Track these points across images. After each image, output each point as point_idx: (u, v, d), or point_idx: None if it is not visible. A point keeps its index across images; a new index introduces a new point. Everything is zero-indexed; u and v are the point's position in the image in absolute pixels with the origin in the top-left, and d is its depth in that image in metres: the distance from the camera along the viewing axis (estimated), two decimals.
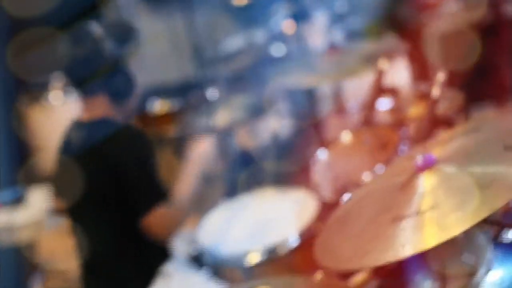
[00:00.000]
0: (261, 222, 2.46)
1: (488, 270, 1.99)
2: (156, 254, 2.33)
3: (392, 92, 2.34)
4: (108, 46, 2.21)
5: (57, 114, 4.06)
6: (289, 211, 2.45)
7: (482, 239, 1.98)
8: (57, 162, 2.40)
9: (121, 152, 2.18)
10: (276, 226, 2.39)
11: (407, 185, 1.53)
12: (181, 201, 2.23)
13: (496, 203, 1.33)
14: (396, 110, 2.25)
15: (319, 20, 4.12)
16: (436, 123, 1.96)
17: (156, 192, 2.19)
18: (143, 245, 2.26)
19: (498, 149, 1.48)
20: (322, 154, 2.51)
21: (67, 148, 2.32)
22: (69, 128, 2.37)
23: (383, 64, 2.30)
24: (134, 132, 2.29)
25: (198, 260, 2.39)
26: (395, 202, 1.53)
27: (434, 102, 1.95)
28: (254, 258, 2.25)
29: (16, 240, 3.23)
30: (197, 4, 5.21)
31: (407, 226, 1.41)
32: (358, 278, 1.79)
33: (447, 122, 1.98)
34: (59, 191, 2.42)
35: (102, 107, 2.26)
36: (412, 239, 1.38)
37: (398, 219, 1.44)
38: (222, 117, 2.67)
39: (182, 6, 5.04)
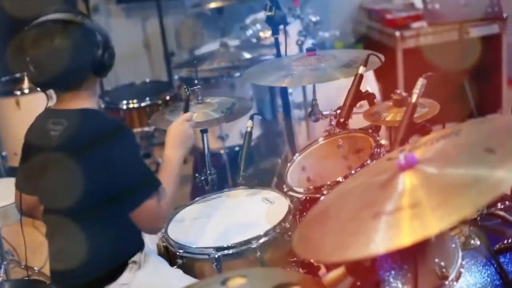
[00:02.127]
0: (232, 219, 2.49)
1: (459, 275, 2.04)
2: (128, 244, 2.32)
3: (369, 97, 2.38)
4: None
5: (28, 105, 4.05)
6: (261, 209, 2.47)
7: (454, 243, 2.03)
8: (27, 150, 2.35)
9: (107, 144, 2.14)
10: (247, 224, 2.41)
11: (388, 184, 1.56)
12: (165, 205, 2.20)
13: (477, 204, 1.37)
14: (372, 116, 2.28)
15: (294, 28, 4.16)
16: (412, 130, 2.00)
17: (144, 184, 2.17)
18: (116, 234, 2.25)
19: (479, 151, 1.52)
20: (296, 156, 2.54)
21: (43, 137, 2.26)
22: (43, 116, 2.29)
23: (361, 70, 2.34)
24: (118, 125, 2.27)
25: (168, 253, 2.40)
26: (376, 199, 1.55)
27: (412, 108, 1.99)
28: (224, 253, 2.27)
29: None
30: (171, 9, 5.28)
31: (388, 222, 1.44)
32: (332, 275, 1.81)
33: (423, 130, 2.02)
34: (32, 185, 2.36)
35: (83, 96, 2.23)
36: (392, 234, 1.40)
37: (376, 215, 1.47)
38: (196, 115, 2.66)
39: (157, 11, 5.08)
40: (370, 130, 2.40)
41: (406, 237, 1.38)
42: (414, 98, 2.00)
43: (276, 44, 2.96)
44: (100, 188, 2.13)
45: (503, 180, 1.35)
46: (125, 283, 2.26)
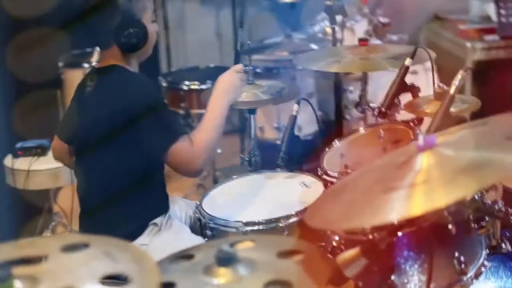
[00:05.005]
0: (266, 198, 2.51)
1: (479, 274, 2.01)
2: (151, 206, 2.39)
3: (413, 89, 2.37)
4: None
5: None
6: (295, 191, 2.49)
7: (479, 241, 2.01)
8: (70, 105, 2.51)
9: (131, 94, 2.26)
10: (280, 204, 2.43)
11: (406, 163, 1.57)
12: (200, 145, 2.28)
13: (484, 182, 1.36)
14: (412, 107, 2.27)
15: (360, 27, 4.17)
16: (448, 122, 1.98)
17: (171, 130, 2.26)
18: (139, 194, 2.32)
19: (500, 138, 1.51)
20: (337, 143, 2.55)
21: (81, 92, 2.40)
22: (86, 75, 2.47)
23: (407, 61, 2.34)
24: (142, 77, 2.37)
25: (200, 224, 2.45)
26: (391, 176, 1.57)
27: (449, 101, 1.98)
28: (252, 228, 2.29)
29: (32, 186, 3.31)
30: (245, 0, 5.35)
31: (396, 195, 1.45)
32: (347, 254, 1.81)
33: (460, 123, 2.00)
34: (66, 132, 2.50)
35: (114, 58, 2.33)
36: (397, 206, 1.41)
37: (389, 189, 1.48)
38: (245, 95, 2.71)
39: (231, 1, 5.15)
40: (412, 122, 2.39)
41: (410, 210, 1.39)
42: (452, 90, 1.98)
43: (333, 33, 2.97)
44: (126, 137, 2.23)
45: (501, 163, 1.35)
46: (144, 243, 2.31)
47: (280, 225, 2.30)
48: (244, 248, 1.59)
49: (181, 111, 4.08)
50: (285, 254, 1.53)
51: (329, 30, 4.33)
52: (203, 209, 2.45)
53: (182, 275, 1.53)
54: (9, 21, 3.32)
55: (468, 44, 4.65)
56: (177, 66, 5.15)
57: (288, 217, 2.31)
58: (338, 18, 4.24)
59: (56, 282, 1.31)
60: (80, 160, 2.44)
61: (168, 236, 2.37)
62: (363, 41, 2.68)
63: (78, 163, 2.46)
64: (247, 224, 2.31)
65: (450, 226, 1.83)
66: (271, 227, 2.31)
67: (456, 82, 1.99)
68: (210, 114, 2.35)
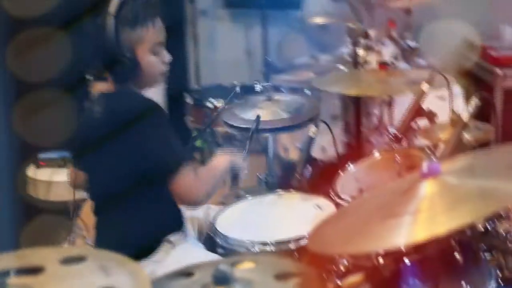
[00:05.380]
0: (279, 219, 2.51)
1: None
2: (165, 223, 2.40)
3: (430, 115, 2.36)
4: (111, 26, 2.28)
5: None
6: (308, 213, 2.48)
7: (489, 271, 1.97)
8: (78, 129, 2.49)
9: (138, 121, 2.26)
10: (292, 225, 2.42)
11: (408, 190, 1.56)
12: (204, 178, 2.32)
13: (486, 210, 1.35)
14: (427, 133, 2.26)
15: (387, 50, 4.15)
16: (460, 149, 1.97)
17: (177, 156, 2.27)
18: (153, 212, 2.33)
19: (503, 168, 1.50)
20: (351, 167, 2.54)
21: (89, 114, 2.40)
22: (95, 100, 2.43)
23: (424, 87, 2.32)
24: (148, 103, 2.35)
25: (212, 241, 2.45)
26: (392, 203, 1.56)
27: (462, 128, 1.96)
28: (262, 248, 2.29)
29: (53, 197, 3.35)
30: (275, 20, 5.37)
31: (395, 223, 1.43)
32: (350, 279, 1.81)
33: (471, 150, 1.98)
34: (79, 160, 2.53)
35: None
36: (396, 233, 1.40)
37: (389, 216, 1.47)
38: (264, 113, 2.73)
39: (260, 19, 5.18)
40: (427, 149, 2.37)
41: (408, 237, 1.38)
42: (465, 117, 1.97)
43: (354, 56, 2.97)
44: (134, 162, 2.25)
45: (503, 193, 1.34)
46: (158, 261, 2.32)
47: (291, 247, 2.29)
48: (244, 268, 1.59)
49: (206, 129, 4.09)
50: (283, 276, 1.52)
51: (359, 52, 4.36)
52: (215, 227, 2.45)
53: None
54: (9, 21, 3.32)
55: (499, 71, 4.61)
56: (206, 83, 5.18)
57: (298, 239, 2.30)
58: (366, 41, 4.29)
59: None
60: (90, 176, 2.47)
61: (181, 253, 2.37)
62: (382, 65, 2.67)
63: (89, 178, 2.48)
64: (257, 244, 2.31)
65: (457, 255, 1.81)
66: (281, 248, 2.30)
67: (470, 109, 1.97)
68: (213, 165, 2.47)
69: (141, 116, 2.25)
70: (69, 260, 1.45)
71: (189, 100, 4.21)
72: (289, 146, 4.18)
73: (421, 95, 2.34)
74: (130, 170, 2.27)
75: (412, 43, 4.39)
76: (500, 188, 1.42)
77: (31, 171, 3.42)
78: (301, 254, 2.28)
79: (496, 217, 1.96)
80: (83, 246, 3.53)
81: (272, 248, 2.30)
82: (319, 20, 4.85)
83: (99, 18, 2.29)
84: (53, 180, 3.32)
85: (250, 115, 2.81)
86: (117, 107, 2.33)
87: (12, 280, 1.36)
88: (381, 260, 1.77)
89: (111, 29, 2.27)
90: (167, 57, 2.42)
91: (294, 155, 4.14)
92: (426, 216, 1.43)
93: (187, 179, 2.27)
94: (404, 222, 1.43)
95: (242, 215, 2.58)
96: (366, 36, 2.99)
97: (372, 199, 1.68)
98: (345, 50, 4.49)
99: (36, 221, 3.33)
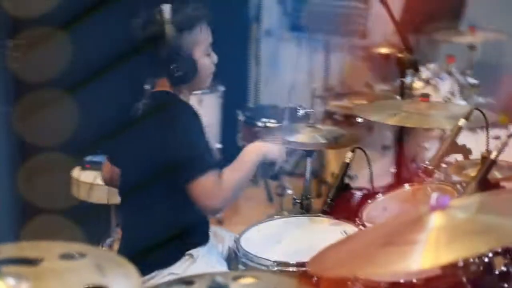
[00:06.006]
0: (304, 241, 2.49)
1: None
2: (189, 236, 2.41)
3: (464, 150, 2.31)
4: (171, 32, 2.33)
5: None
6: (334, 239, 2.45)
7: None
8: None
9: (172, 121, 2.31)
10: (316, 249, 2.39)
11: (415, 220, 1.54)
12: (226, 184, 2.32)
13: (490, 245, 1.33)
14: (457, 169, 2.22)
15: (445, 85, 4.10)
16: (485, 186, 1.92)
17: (202, 160, 2.29)
18: (178, 223, 2.35)
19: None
20: (381, 196, 2.52)
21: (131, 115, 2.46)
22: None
23: (461, 122, 2.28)
24: (187, 107, 2.41)
25: (233, 256, 2.46)
26: (397, 231, 1.54)
27: (489, 165, 1.92)
28: (282, 268, 2.28)
29: (93, 199, 3.41)
30: (339, 47, 5.38)
31: (391, 251, 1.42)
32: None
33: (495, 188, 1.94)
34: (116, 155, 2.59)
35: (166, 86, 2.42)
36: (392, 261, 1.38)
37: (390, 244, 1.45)
38: (302, 136, 2.74)
39: (324, 45, 5.20)
40: (459, 185, 2.33)
41: (402, 265, 1.36)
42: (493, 155, 1.93)
43: (401, 87, 2.95)
44: (160, 160, 2.29)
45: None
46: (176, 272, 2.33)
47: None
48: (242, 283, 1.59)
49: None
50: None
51: (415, 84, 4.31)
52: (240, 243, 2.46)
53: None
54: (9, 21, 3.35)
55: None
56: (263, 103, 5.22)
57: None
58: (426, 74, 4.24)
59: (41, 284, 1.36)
60: (122, 179, 2.52)
61: (201, 268, 2.37)
62: (423, 97, 2.64)
63: (120, 183, 2.53)
64: (277, 264, 2.30)
65: None
66: (301, 270, 2.29)
67: (499, 147, 1.93)
68: (243, 159, 2.43)
69: (172, 114, 2.33)
70: (68, 256, 1.48)
71: (241, 117, 4.25)
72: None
73: (457, 130, 2.29)
74: (153, 166, 2.31)
75: (472, 80, 4.33)
76: (504, 225, 1.39)
77: (76, 173, 3.49)
78: (320, 278, 2.26)
79: None
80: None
81: (293, 269, 2.29)
82: (382, 50, 4.84)
83: (154, 27, 2.35)
84: (95, 183, 3.38)
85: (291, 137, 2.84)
86: (153, 105, 2.39)
87: (9, 268, 1.40)
88: None
89: (170, 35, 2.33)
90: (215, 57, 2.48)
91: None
92: (427, 246, 1.41)
93: (207, 185, 2.27)
94: (402, 251, 1.41)
95: (268, 234, 2.57)
96: (416, 68, 2.95)
97: (381, 227, 1.66)
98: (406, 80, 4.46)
99: (36, 221, 3.37)
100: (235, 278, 1.59)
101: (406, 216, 1.63)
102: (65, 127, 3.31)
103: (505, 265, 1.90)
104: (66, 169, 3.55)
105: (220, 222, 4.19)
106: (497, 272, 1.85)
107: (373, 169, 2.99)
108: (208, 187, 2.27)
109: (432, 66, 4.31)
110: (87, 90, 3.37)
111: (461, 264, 1.77)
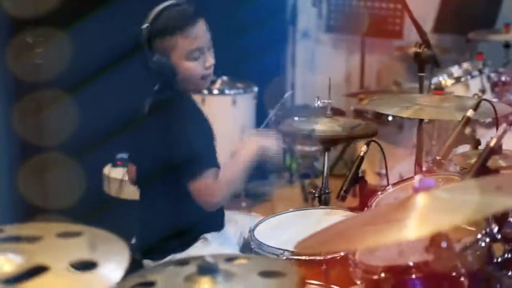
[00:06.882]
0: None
1: None
2: (204, 221, 2.49)
3: (472, 141, 2.33)
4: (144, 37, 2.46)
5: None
6: None
7: None
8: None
9: (174, 120, 2.41)
10: None
11: (401, 202, 1.58)
12: (223, 180, 2.39)
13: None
14: (461, 158, 2.23)
15: (475, 82, 4.10)
16: (484, 174, 1.94)
17: (201, 160, 2.36)
18: (191, 207, 2.42)
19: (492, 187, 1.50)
20: (390, 188, 2.54)
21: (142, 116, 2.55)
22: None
23: (469, 112, 2.30)
24: (191, 104, 2.51)
25: (246, 245, 2.52)
26: (380, 213, 1.58)
27: (488, 152, 1.94)
28: (293, 257, 2.33)
29: (124, 195, 3.50)
30: (375, 48, 5.40)
31: (371, 229, 1.46)
32: None
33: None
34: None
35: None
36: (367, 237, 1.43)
37: (369, 224, 1.49)
38: (320, 126, 2.86)
39: (360, 47, 5.22)
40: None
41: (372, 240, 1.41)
42: (492, 142, 1.94)
43: (420, 82, 2.96)
44: (163, 157, 2.38)
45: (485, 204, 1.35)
46: (192, 255, 2.41)
47: (319, 258, 2.31)
48: (235, 263, 1.65)
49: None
50: (268, 274, 1.57)
51: (444, 82, 4.31)
52: (253, 232, 2.51)
53: (165, 278, 1.61)
54: (9, 21, 3.39)
55: None
56: (301, 100, 5.28)
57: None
58: (458, 72, 4.24)
59: (34, 258, 1.44)
60: (137, 174, 2.66)
61: (215, 251, 2.45)
62: (437, 91, 2.67)
63: (136, 178, 2.67)
64: (288, 252, 2.35)
65: (462, 279, 1.79)
66: (311, 259, 2.33)
67: (498, 135, 1.95)
68: (238, 154, 2.49)
69: (172, 113, 2.41)
70: (66, 234, 1.56)
71: (272, 117, 4.29)
72: (367, 170, 4.18)
73: (465, 121, 2.31)
74: (159, 163, 2.40)
75: (505, 78, 4.30)
76: (481, 202, 1.42)
77: (107, 169, 3.60)
78: (329, 265, 2.30)
79: None
80: None
81: (302, 257, 2.33)
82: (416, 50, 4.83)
83: (135, 32, 2.47)
84: (125, 179, 3.47)
85: (307, 126, 2.92)
86: (156, 104, 2.47)
87: (10, 245, 1.49)
88: (382, 274, 1.78)
89: (143, 41, 2.44)
90: (209, 61, 2.51)
91: (371, 179, 4.14)
92: (406, 222, 1.45)
93: (206, 185, 2.35)
94: (379, 229, 1.45)
95: (283, 225, 2.62)
96: (436, 63, 2.96)
97: (370, 211, 1.71)
98: (434, 80, 4.46)
99: (36, 220, 3.43)
100: (230, 260, 1.65)
101: (396, 201, 1.67)
102: (65, 127, 3.37)
103: (506, 252, 1.92)
104: (67, 168, 3.65)
105: None
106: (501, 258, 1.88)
107: (405, 167, 3.01)
108: (206, 187, 2.36)
109: (465, 64, 4.30)
110: (87, 90, 3.44)
111: (457, 248, 1.80)
